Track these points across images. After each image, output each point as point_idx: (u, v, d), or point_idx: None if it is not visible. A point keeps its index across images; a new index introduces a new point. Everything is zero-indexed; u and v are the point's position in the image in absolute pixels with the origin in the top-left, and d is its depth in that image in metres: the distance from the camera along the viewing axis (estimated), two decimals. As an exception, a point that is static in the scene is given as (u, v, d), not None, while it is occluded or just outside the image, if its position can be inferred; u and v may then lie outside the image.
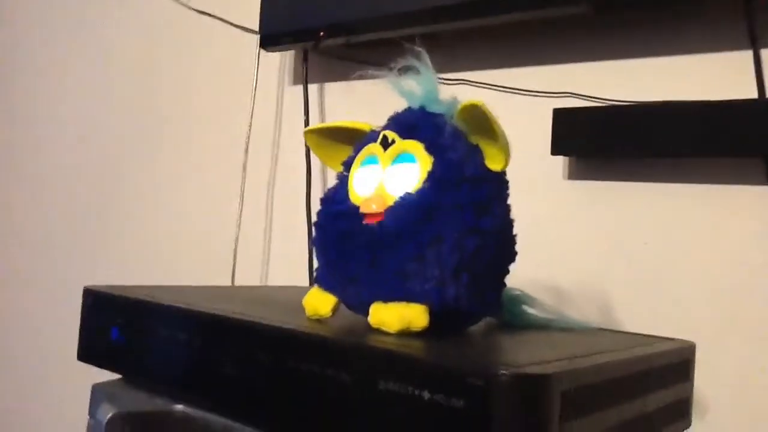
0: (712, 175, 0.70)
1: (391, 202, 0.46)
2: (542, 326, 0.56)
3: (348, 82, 0.99)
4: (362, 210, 0.47)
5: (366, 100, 0.95)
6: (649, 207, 0.73)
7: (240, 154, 1.07)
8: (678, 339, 0.55)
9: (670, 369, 0.50)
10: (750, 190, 0.67)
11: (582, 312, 0.74)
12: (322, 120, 1.01)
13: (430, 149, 0.47)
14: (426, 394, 0.36)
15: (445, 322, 0.45)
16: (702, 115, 0.66)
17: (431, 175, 0.46)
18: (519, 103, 0.81)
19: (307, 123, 0.99)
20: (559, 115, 0.75)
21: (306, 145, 0.97)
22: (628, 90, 0.75)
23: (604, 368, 0.40)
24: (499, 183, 0.49)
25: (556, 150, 0.76)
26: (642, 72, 0.75)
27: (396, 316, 0.44)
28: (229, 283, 1.05)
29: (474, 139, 0.48)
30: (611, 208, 0.76)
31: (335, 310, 0.49)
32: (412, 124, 0.49)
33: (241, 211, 1.07)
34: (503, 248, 0.50)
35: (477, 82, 0.85)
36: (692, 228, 0.71)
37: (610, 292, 0.74)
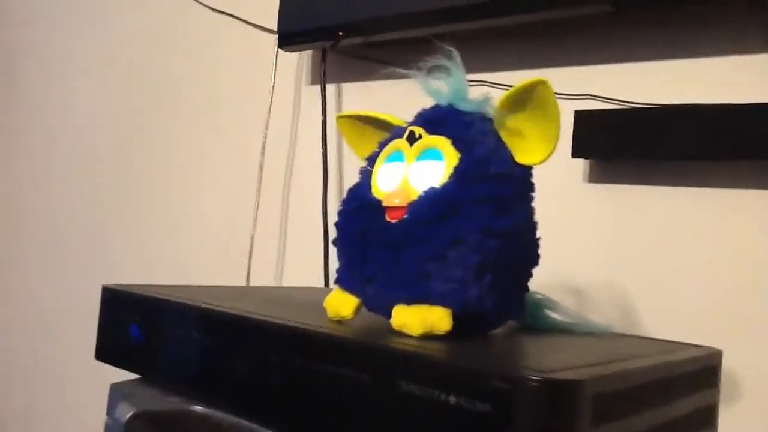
0: (736, 180, 0.69)
1: (414, 197, 0.45)
2: (564, 330, 0.55)
3: (366, 83, 0.98)
4: (385, 204, 0.46)
5: (384, 100, 0.95)
6: (670, 211, 0.72)
7: (256, 153, 1.07)
8: (705, 346, 0.54)
9: (697, 376, 0.49)
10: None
11: (601, 315, 0.73)
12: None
13: (457, 145, 0.46)
14: (450, 398, 0.35)
15: (467, 324, 0.45)
16: (725, 119, 0.65)
17: (456, 171, 0.45)
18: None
19: (324, 124, 0.98)
20: (580, 117, 0.75)
21: (323, 146, 0.97)
22: (649, 92, 0.74)
23: (632, 374, 0.39)
24: (524, 183, 0.48)
25: (576, 152, 0.75)
26: (664, 74, 0.74)
27: (419, 319, 0.43)
28: (243, 284, 1.05)
29: (510, 131, 0.47)
30: (631, 211, 0.75)
31: (357, 311, 0.48)
32: (439, 120, 0.48)
33: (257, 211, 1.07)
34: (526, 250, 0.49)
35: (496, 83, 0.84)
36: (714, 233, 0.69)
37: (629, 295, 0.73)
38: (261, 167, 1.06)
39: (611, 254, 0.75)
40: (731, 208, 0.69)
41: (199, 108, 1.21)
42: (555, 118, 0.46)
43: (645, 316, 0.72)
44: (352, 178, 0.52)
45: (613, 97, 0.76)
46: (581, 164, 0.79)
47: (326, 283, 0.93)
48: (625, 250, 0.75)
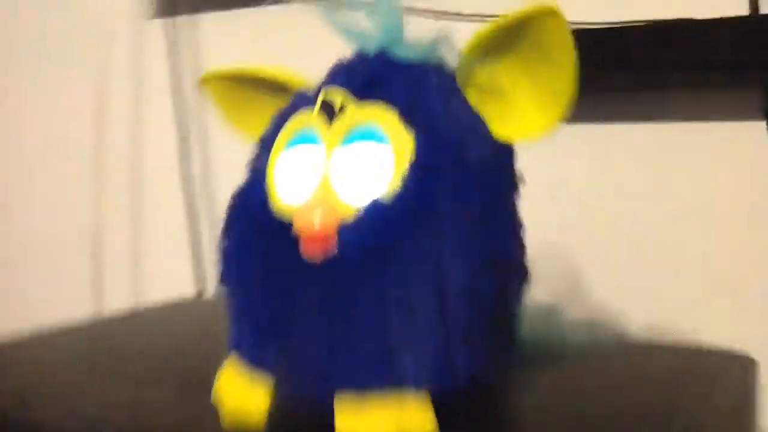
0: (705, 112, 0.58)
1: (350, 213, 0.28)
2: (556, 347, 0.41)
3: (233, 12, 0.74)
4: (297, 227, 0.28)
5: (266, 41, 0.72)
6: (634, 150, 0.60)
7: (90, 118, 0.83)
8: (738, 355, 0.41)
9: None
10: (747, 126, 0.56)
11: (547, 283, 0.60)
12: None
13: (408, 117, 0.29)
14: None
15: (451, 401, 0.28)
16: (691, 36, 0.55)
17: (415, 164, 0.28)
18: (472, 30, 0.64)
19: (176, 71, 0.75)
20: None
21: (175, 110, 0.75)
22: (610, 9, 0.59)
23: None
24: (512, 162, 0.32)
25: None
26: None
27: (390, 427, 0.26)
28: (89, 297, 0.83)
29: (485, 90, 0.31)
30: (590, 155, 0.61)
31: (271, 406, 0.30)
32: (371, 77, 0.31)
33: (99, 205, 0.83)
34: (519, 266, 0.33)
35: (424, 10, 0.66)
36: (682, 171, 0.58)
37: (582, 259, 0.60)
38: (99, 134, 0.82)
39: (571, 203, 0.62)
40: (705, 142, 0.57)
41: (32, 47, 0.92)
42: (567, 65, 0.29)
43: (599, 280, 0.59)
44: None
45: (570, 19, 0.61)
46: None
47: (199, 292, 0.73)
48: (583, 199, 0.61)
